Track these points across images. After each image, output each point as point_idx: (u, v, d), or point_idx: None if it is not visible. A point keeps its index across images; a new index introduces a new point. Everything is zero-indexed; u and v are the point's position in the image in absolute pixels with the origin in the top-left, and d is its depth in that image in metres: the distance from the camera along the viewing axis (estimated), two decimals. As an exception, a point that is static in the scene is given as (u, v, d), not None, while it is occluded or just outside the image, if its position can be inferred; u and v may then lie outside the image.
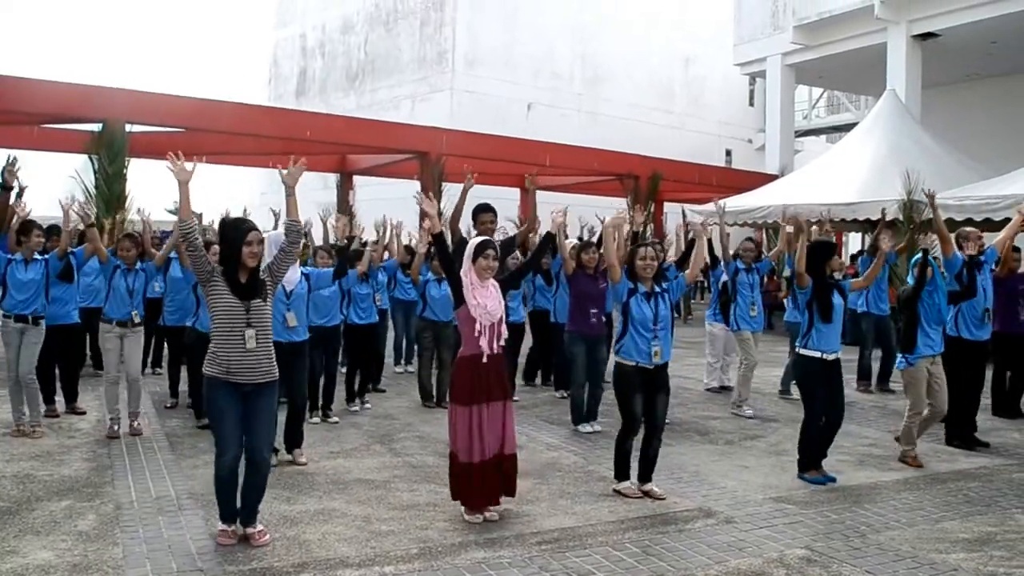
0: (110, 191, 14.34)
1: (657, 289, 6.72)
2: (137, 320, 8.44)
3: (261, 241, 5.44)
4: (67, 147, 18.07)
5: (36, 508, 6.04)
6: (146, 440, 8.06)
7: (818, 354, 7.18)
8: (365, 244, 9.76)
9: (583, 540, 5.64)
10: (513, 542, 5.57)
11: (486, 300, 5.90)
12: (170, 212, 26.14)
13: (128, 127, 15.38)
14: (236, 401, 5.37)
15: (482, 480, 5.89)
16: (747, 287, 10.32)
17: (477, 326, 5.85)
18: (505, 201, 24.16)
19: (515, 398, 10.23)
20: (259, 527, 5.54)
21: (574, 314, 9.11)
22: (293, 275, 7.53)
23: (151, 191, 15.26)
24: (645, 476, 6.72)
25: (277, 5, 42.51)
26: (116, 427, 8.29)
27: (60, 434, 8.30)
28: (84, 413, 9.31)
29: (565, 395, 10.48)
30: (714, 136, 38.49)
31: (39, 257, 8.33)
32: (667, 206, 25.08)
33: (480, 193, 19.33)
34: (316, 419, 9.02)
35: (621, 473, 6.75)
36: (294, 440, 7.56)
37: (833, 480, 7.18)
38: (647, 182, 23.15)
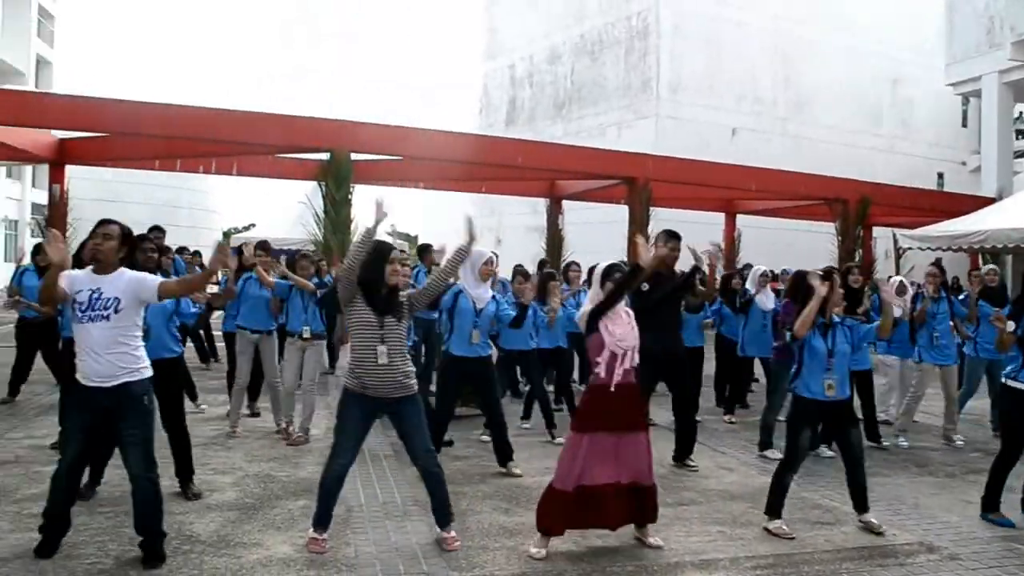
0: (337, 215, 15.30)
1: (836, 320, 6.50)
2: (307, 335, 8.93)
3: (404, 262, 5.64)
4: (298, 175, 19.45)
5: (276, 506, 6.48)
6: (372, 448, 8.36)
7: None
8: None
9: (798, 567, 5.55)
10: (728, 565, 5.56)
11: (616, 327, 5.69)
12: (388, 235, 27.67)
13: (352, 156, 16.34)
14: (366, 415, 5.58)
15: (573, 508, 5.63)
16: (931, 317, 9.90)
17: (605, 353, 5.64)
18: (710, 226, 24.09)
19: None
20: (452, 532, 5.75)
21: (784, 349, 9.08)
22: (484, 294, 7.79)
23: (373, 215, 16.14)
24: (861, 506, 6.52)
25: (487, 38, 43.78)
26: (289, 427, 8.91)
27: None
28: (259, 415, 10.05)
29: (733, 420, 10.80)
30: (925, 159, 36.94)
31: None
32: (876, 231, 24.36)
33: (686, 218, 19.50)
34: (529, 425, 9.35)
35: (774, 510, 6.42)
36: (505, 453, 7.82)
37: (1012, 525, 6.70)
38: (856, 206, 22.55)
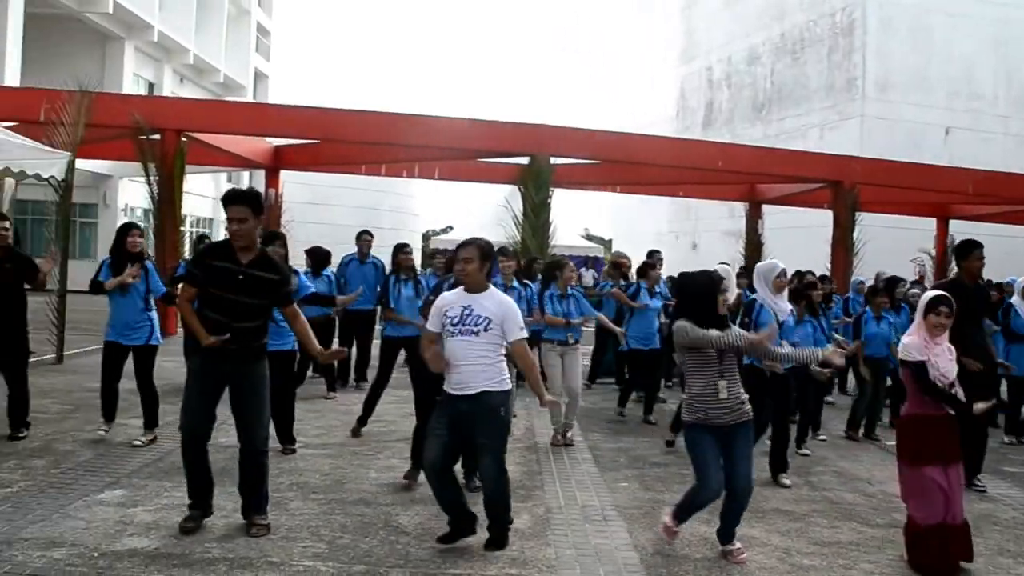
0: (536, 218, 15.53)
1: None
2: (571, 341, 8.99)
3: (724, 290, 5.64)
4: (498, 178, 19.85)
5: (477, 503, 6.34)
6: (571, 451, 8.45)
7: None
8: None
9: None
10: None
11: (939, 360, 5.60)
12: (583, 237, 27.84)
13: (552, 159, 16.55)
14: (711, 440, 5.53)
15: (933, 544, 5.50)
16: None
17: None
18: (921, 232, 23.05)
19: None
20: (737, 545, 5.68)
21: None
22: (784, 305, 7.68)
23: (569, 218, 16.31)
24: None
25: (683, 41, 43.42)
26: (560, 437, 8.86)
27: (494, 438, 9.02)
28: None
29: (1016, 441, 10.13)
30: None
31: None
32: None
33: (894, 223, 18.60)
34: (807, 451, 9.03)
35: None
36: (781, 465, 7.74)
37: None
38: (1093, 212, 21.04)
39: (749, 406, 5.61)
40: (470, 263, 5.37)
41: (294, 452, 7.81)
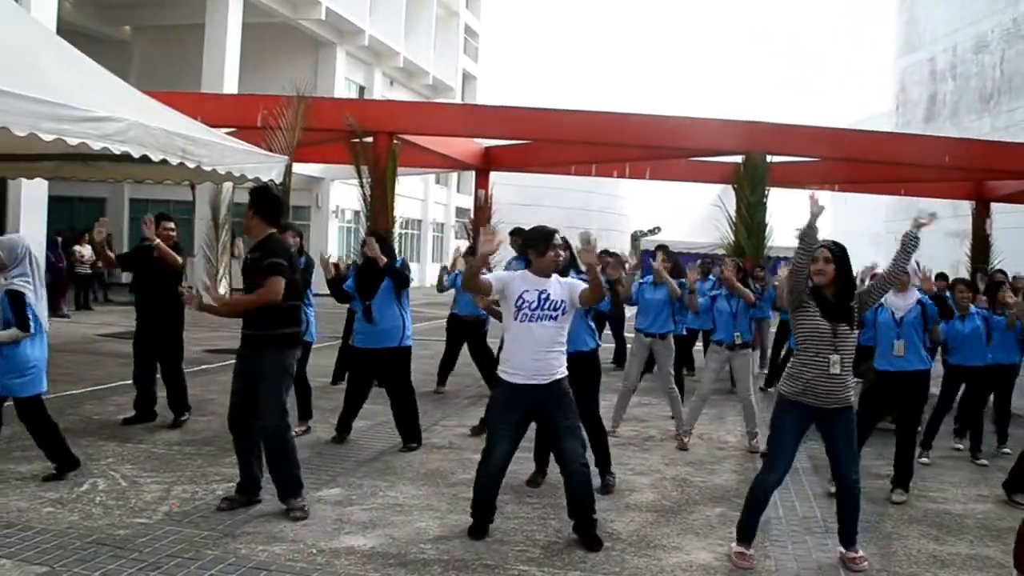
0: (751, 218, 15.12)
1: None
2: (739, 342, 8.70)
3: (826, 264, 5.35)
4: (711, 177, 19.51)
5: (694, 511, 6.43)
6: None
7: None
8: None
9: None
10: None
11: None
12: (797, 238, 26.96)
13: (768, 158, 16.07)
14: (800, 423, 5.35)
15: None
16: None
17: None
18: None
19: None
20: (859, 552, 5.43)
21: None
22: (902, 302, 7.32)
23: (787, 218, 15.81)
24: None
25: (904, 31, 41.62)
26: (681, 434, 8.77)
27: (710, 445, 8.80)
28: None
29: None
30: None
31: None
32: None
33: None
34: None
35: None
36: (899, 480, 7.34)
37: None
38: None
39: (852, 392, 5.35)
40: (564, 251, 5.74)
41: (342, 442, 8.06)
